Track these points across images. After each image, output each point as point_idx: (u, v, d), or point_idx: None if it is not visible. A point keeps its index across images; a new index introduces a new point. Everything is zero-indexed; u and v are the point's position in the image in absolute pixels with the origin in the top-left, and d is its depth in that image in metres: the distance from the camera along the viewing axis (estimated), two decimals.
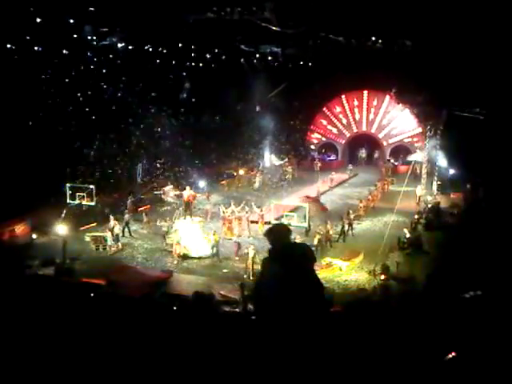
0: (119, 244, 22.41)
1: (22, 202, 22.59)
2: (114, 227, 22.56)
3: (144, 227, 25.02)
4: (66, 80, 28.66)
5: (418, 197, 29.33)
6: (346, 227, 23.55)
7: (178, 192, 28.01)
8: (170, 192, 29.76)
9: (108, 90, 31.07)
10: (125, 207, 25.72)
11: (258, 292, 4.79)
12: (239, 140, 37.89)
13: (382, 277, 18.01)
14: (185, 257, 21.04)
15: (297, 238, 21.48)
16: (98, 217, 25.19)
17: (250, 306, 16.14)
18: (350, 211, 24.41)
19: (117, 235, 22.48)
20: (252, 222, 24.37)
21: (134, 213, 26.29)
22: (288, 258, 4.48)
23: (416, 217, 25.26)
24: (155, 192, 29.82)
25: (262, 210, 24.36)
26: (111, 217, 23.27)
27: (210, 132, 36.06)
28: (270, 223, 22.67)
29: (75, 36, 28.16)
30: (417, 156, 34.69)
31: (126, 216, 24.20)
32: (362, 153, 43.51)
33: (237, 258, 20.67)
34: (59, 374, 5.02)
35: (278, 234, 4.76)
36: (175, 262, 20.71)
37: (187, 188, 26.01)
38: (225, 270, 20.11)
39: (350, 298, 15.17)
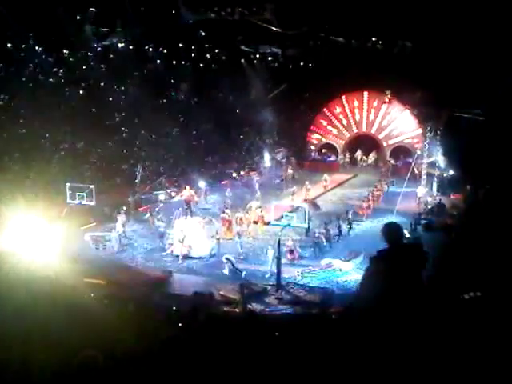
0: (120, 244, 22.38)
1: (22, 201, 22.54)
2: (119, 227, 22.69)
3: (145, 227, 24.98)
4: (66, 80, 28.70)
5: (419, 198, 29.30)
6: (344, 227, 23.57)
7: (177, 192, 27.99)
8: (170, 192, 29.74)
9: (109, 90, 31.08)
10: (127, 207, 25.68)
11: (363, 289, 4.81)
12: (239, 140, 37.83)
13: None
14: (185, 257, 21.00)
15: (297, 237, 21.58)
16: (98, 216, 25.15)
17: (250, 306, 16.15)
18: (349, 211, 24.42)
19: (119, 235, 22.49)
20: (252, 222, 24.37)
21: (135, 212, 26.27)
22: (400, 258, 4.53)
23: (416, 218, 25.25)
24: (155, 192, 29.78)
25: (261, 211, 24.33)
26: (121, 214, 23.40)
27: (210, 133, 36.05)
28: (269, 223, 22.74)
29: (76, 36, 28.24)
30: (417, 157, 34.58)
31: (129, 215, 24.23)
32: (347, 156, 42.82)
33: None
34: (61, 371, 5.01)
35: (394, 232, 4.83)
36: (175, 262, 20.67)
37: (187, 188, 25.95)
38: (224, 270, 20.07)
39: (349, 298, 15.13)
